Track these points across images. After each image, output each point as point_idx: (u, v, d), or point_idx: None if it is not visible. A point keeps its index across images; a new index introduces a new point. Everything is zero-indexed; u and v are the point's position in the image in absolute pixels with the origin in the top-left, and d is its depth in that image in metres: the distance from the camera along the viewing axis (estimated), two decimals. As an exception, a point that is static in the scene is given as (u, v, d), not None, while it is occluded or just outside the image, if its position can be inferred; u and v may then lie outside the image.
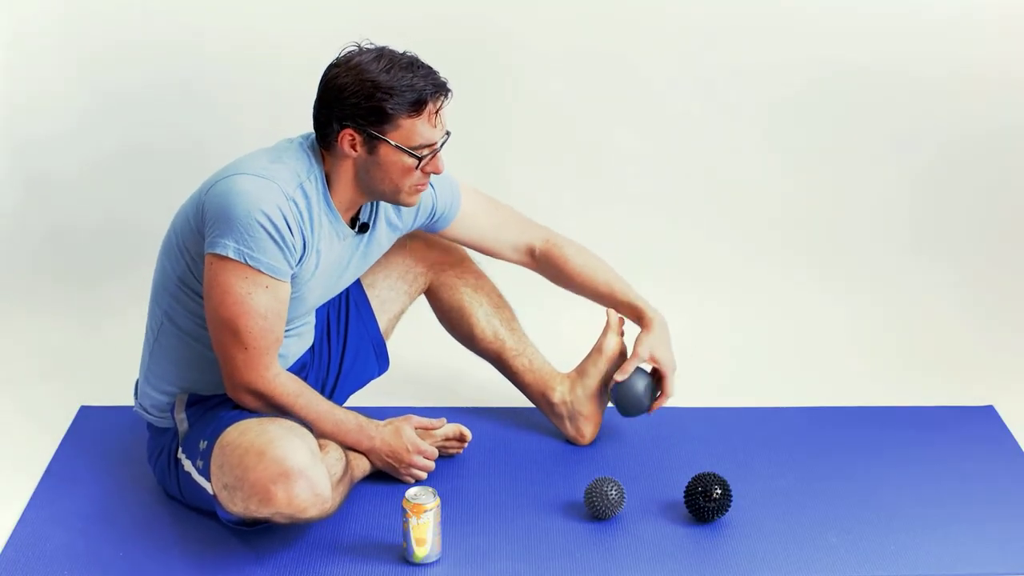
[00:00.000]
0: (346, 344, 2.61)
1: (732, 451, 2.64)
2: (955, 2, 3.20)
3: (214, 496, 2.23)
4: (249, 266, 2.18)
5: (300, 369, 2.49)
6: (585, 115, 3.29)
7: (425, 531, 2.24)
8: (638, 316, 2.59)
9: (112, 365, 2.81)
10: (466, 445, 2.59)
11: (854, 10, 3.21)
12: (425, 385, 2.90)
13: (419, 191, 2.29)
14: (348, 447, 2.39)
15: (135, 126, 3.22)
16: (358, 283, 2.63)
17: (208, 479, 2.25)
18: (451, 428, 2.58)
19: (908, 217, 3.35)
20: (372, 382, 2.69)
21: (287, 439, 2.18)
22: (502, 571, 2.27)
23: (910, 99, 3.27)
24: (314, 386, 2.48)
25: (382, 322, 2.66)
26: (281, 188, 2.19)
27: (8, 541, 2.32)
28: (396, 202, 2.30)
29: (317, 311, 2.59)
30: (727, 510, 2.39)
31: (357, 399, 2.67)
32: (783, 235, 3.36)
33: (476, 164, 3.30)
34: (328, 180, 2.27)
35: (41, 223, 3.28)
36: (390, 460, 2.44)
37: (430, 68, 2.22)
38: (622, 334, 2.64)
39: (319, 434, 2.33)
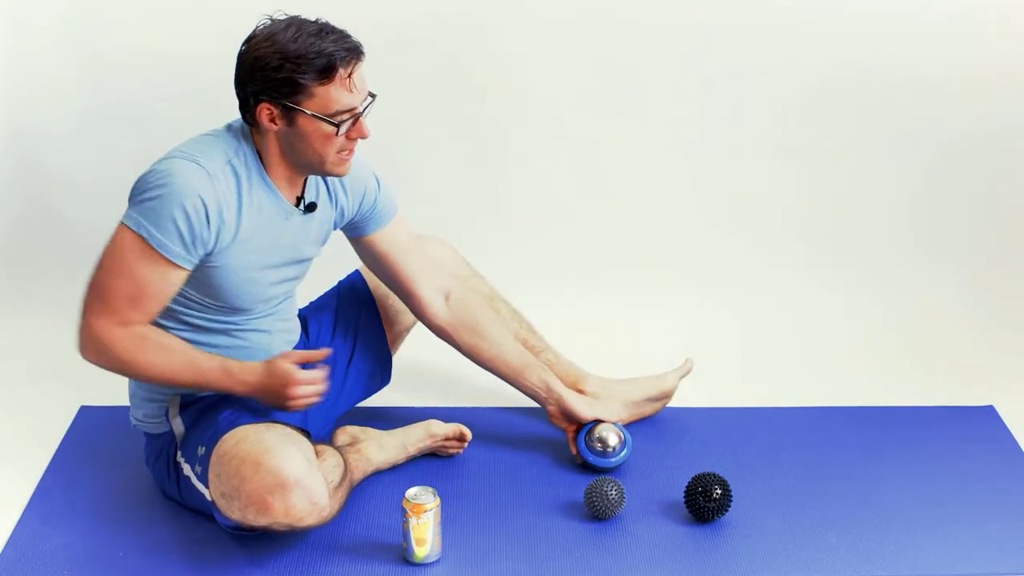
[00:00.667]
0: (354, 353, 2.60)
1: (732, 451, 2.64)
2: (956, 3, 3.20)
3: (212, 503, 2.23)
4: (127, 227, 2.16)
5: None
6: (587, 114, 3.28)
7: (425, 531, 2.24)
8: (550, 388, 2.58)
9: (112, 365, 2.81)
10: (466, 445, 2.59)
11: (856, 11, 3.20)
12: (425, 385, 2.89)
13: (346, 160, 2.24)
14: (219, 392, 2.30)
15: (136, 126, 3.22)
16: (370, 294, 2.63)
17: (206, 485, 2.24)
18: (451, 428, 2.57)
19: (908, 217, 3.35)
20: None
21: (283, 448, 2.17)
22: (502, 571, 2.27)
23: (911, 99, 3.26)
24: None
25: (389, 335, 2.65)
26: (207, 169, 2.16)
27: (8, 541, 2.32)
28: (325, 172, 2.25)
29: (323, 317, 2.59)
30: (727, 510, 2.39)
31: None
32: (783, 235, 3.35)
33: (477, 164, 3.30)
34: (262, 159, 2.24)
35: (41, 223, 3.28)
36: (270, 401, 2.30)
37: (342, 33, 2.17)
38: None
39: (180, 387, 2.29)
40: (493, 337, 2.59)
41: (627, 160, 3.32)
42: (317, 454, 2.26)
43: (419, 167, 3.27)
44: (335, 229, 2.44)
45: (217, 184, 2.17)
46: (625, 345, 3.01)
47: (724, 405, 2.82)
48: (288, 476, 2.14)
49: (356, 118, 2.20)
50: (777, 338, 3.14)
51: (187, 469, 2.30)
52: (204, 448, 2.26)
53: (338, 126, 2.18)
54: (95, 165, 3.24)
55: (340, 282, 2.68)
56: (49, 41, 3.18)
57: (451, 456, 2.59)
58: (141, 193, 2.17)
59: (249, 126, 2.24)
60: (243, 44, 2.19)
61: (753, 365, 3.03)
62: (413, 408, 2.73)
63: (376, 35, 2.27)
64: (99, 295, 2.21)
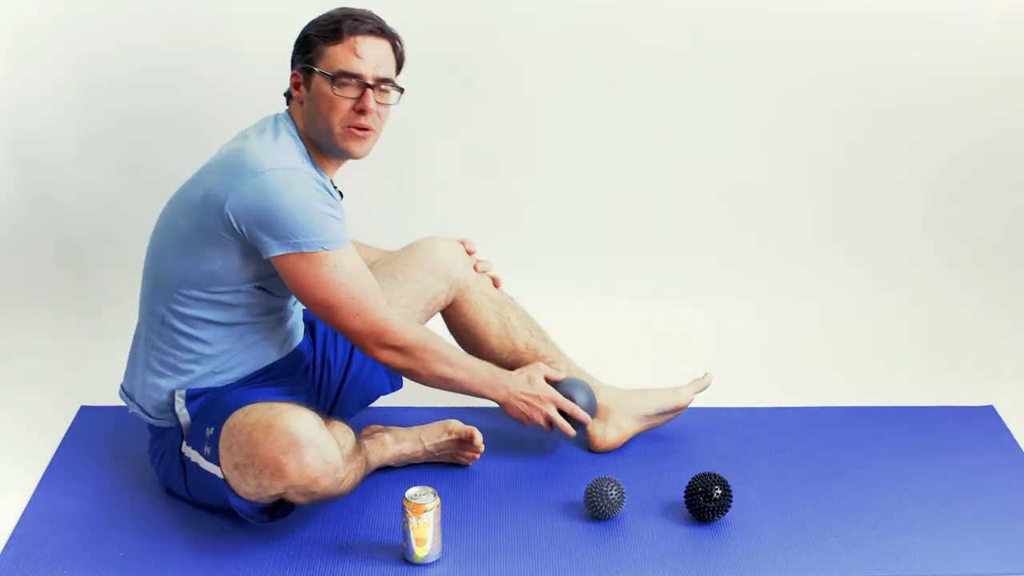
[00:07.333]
0: (353, 351, 2.59)
1: (732, 451, 2.64)
2: (973, 7, 3.19)
3: (224, 480, 2.23)
4: (325, 251, 2.22)
5: (299, 362, 2.49)
6: (599, 115, 3.27)
7: (425, 531, 2.24)
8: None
9: (112, 365, 2.80)
10: (478, 456, 2.56)
11: (878, 14, 3.19)
12: (424, 385, 2.89)
13: (353, 135, 2.28)
14: (482, 396, 2.46)
15: (138, 127, 3.22)
16: None
17: (217, 463, 2.24)
18: (468, 428, 2.55)
19: (909, 219, 3.35)
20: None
21: (294, 412, 2.20)
22: (502, 571, 2.27)
23: (930, 102, 3.25)
24: (313, 391, 2.50)
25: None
26: (303, 170, 2.25)
27: (8, 541, 2.32)
28: (336, 146, 2.30)
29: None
30: (727, 510, 2.39)
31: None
32: (785, 236, 3.35)
33: (492, 165, 3.30)
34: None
35: (41, 223, 3.28)
36: (525, 409, 2.48)
37: (374, 16, 2.30)
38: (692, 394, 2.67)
39: (454, 381, 2.41)
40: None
41: (642, 161, 3.31)
42: (325, 423, 2.27)
43: (428, 169, 3.27)
44: None
45: (316, 181, 2.26)
46: (631, 345, 3.01)
47: (724, 405, 2.82)
48: (301, 435, 2.16)
49: (362, 90, 2.26)
50: (777, 338, 3.15)
51: (194, 456, 2.30)
52: (212, 428, 2.27)
53: (333, 82, 2.25)
54: (96, 167, 3.24)
55: None
56: (50, 38, 3.17)
57: (463, 465, 2.58)
58: (289, 229, 2.20)
59: (286, 117, 2.33)
60: None
61: (754, 365, 3.03)
62: (412, 408, 2.73)
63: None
64: (350, 314, 2.28)
